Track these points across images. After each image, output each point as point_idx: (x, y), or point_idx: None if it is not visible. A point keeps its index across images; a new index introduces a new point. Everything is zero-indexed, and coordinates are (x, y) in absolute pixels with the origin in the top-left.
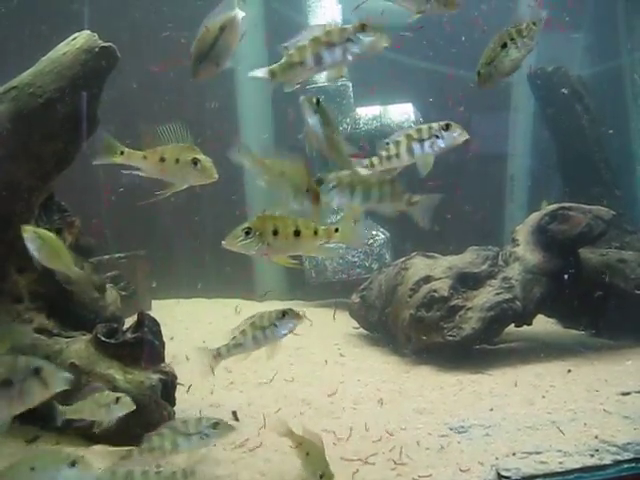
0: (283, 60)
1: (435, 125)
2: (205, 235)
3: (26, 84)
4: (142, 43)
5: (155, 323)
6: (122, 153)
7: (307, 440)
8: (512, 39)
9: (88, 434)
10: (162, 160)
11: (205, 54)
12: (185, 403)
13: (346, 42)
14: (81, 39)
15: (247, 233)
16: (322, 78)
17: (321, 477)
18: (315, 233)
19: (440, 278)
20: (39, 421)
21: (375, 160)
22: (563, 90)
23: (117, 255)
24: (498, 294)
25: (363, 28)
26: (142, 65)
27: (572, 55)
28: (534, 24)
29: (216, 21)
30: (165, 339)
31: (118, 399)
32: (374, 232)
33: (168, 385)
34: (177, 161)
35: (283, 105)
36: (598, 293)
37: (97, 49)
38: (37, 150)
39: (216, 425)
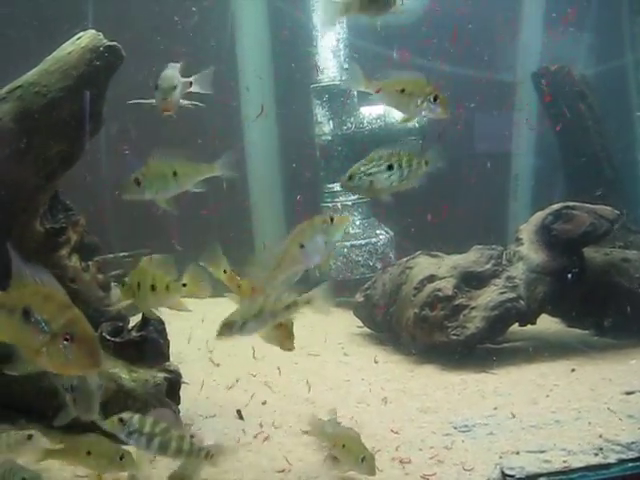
0: None
1: None
2: (210, 234)
3: (31, 83)
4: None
5: (160, 322)
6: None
7: (339, 434)
8: (399, 164)
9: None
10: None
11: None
12: (190, 402)
13: None
14: (86, 38)
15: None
16: (326, 78)
17: (363, 460)
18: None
19: (444, 277)
20: (45, 419)
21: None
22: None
23: (122, 254)
24: (502, 293)
25: None
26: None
27: (576, 54)
28: (426, 163)
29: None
30: (170, 337)
31: None
32: (378, 231)
33: (173, 383)
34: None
35: (288, 104)
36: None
37: (102, 48)
38: (42, 149)
39: None
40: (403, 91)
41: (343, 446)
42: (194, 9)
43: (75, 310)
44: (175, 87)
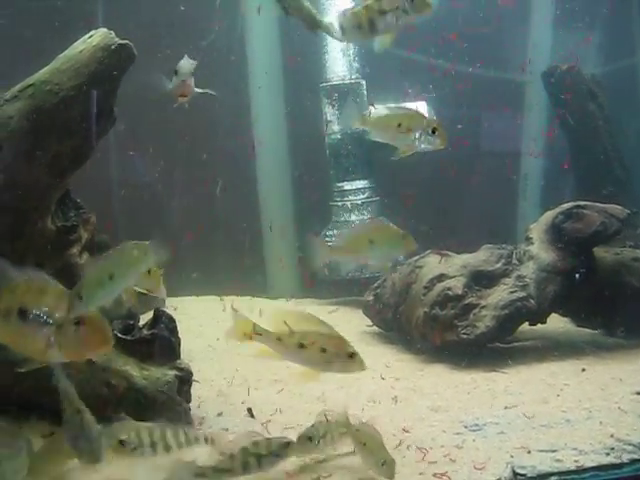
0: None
1: None
2: (218, 233)
3: (43, 81)
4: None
5: (171, 320)
6: None
7: (363, 431)
8: None
9: None
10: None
11: None
12: (201, 400)
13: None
14: (98, 37)
15: None
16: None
17: (383, 464)
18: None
19: (454, 276)
20: (56, 417)
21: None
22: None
23: None
24: (512, 292)
25: None
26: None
27: (586, 53)
28: None
29: None
30: (180, 335)
31: None
32: None
33: (184, 381)
34: None
35: (297, 103)
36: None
37: (114, 47)
38: (54, 147)
39: None
40: (400, 125)
41: (364, 444)
42: (216, 28)
43: (70, 294)
44: (193, 73)
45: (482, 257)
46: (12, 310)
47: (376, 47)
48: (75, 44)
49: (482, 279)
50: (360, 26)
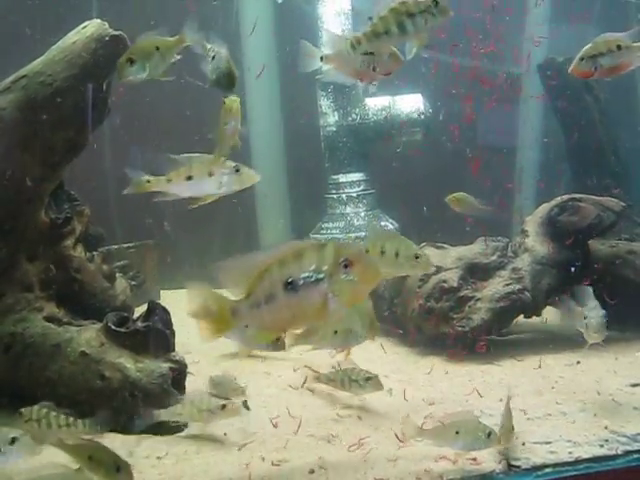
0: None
1: None
2: (213, 225)
3: (36, 73)
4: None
5: (165, 312)
6: (149, 182)
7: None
8: None
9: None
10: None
11: None
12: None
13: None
14: (91, 28)
15: None
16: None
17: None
18: None
19: (449, 269)
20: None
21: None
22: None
23: (126, 245)
24: (507, 285)
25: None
26: None
27: (583, 46)
28: None
29: None
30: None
31: None
32: (383, 223)
33: (178, 374)
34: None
35: (293, 95)
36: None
37: (107, 38)
38: (47, 139)
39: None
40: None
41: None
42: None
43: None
44: None
45: (477, 250)
46: (276, 288)
47: (407, 52)
48: (68, 35)
49: (477, 271)
50: (388, 31)
